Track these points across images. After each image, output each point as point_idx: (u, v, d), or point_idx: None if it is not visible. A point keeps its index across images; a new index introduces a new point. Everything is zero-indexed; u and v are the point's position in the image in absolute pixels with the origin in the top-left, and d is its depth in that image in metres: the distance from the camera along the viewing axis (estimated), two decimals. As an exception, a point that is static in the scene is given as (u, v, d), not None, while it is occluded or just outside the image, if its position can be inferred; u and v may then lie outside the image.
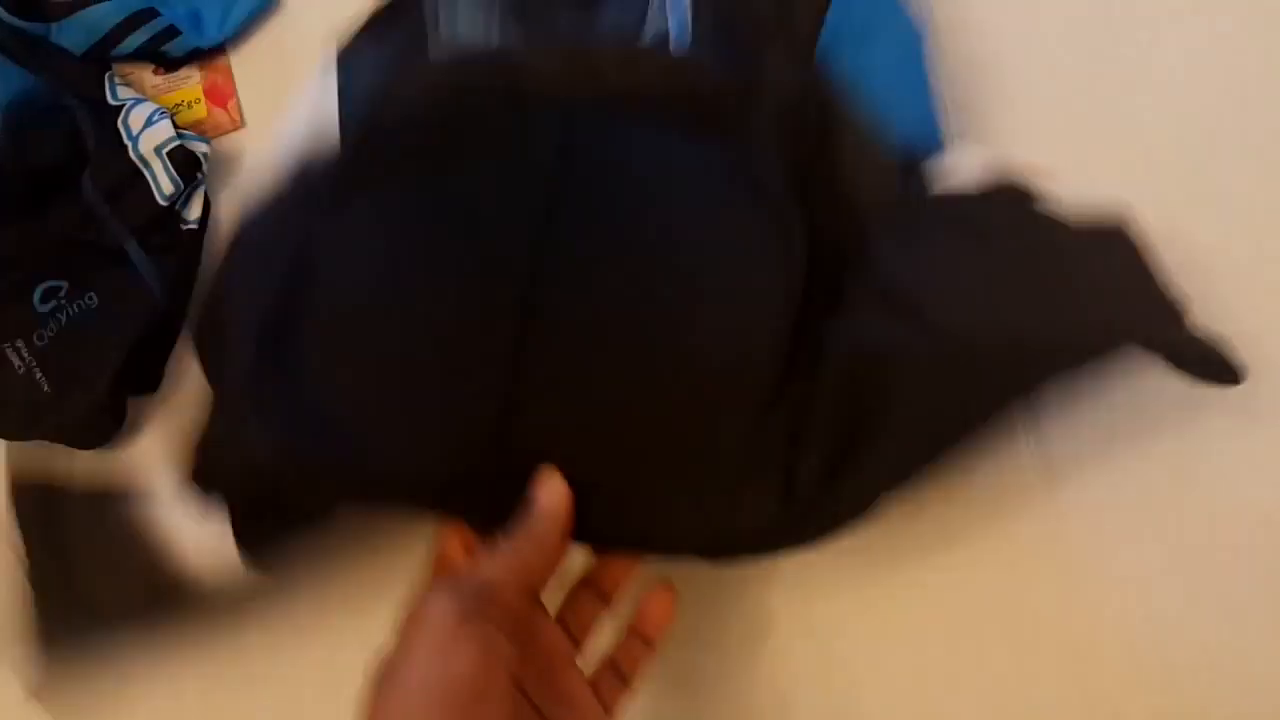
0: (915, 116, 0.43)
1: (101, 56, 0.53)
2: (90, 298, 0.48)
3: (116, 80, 0.52)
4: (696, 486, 0.37)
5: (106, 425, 0.48)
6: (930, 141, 0.43)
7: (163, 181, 0.49)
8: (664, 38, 0.41)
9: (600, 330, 0.37)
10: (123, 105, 0.50)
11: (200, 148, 0.50)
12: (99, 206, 0.49)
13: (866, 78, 0.41)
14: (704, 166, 0.38)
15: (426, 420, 0.38)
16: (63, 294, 0.48)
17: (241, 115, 0.55)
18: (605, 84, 0.39)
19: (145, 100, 0.51)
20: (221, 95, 0.55)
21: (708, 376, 0.37)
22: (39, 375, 0.46)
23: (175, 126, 0.50)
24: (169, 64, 0.55)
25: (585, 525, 0.36)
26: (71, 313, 0.48)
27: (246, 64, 0.55)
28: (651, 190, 0.38)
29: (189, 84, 0.55)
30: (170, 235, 0.50)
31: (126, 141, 0.49)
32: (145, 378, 0.49)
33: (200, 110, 0.55)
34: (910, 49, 0.44)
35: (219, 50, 0.55)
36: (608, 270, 0.37)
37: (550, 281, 0.36)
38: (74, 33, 0.52)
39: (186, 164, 0.49)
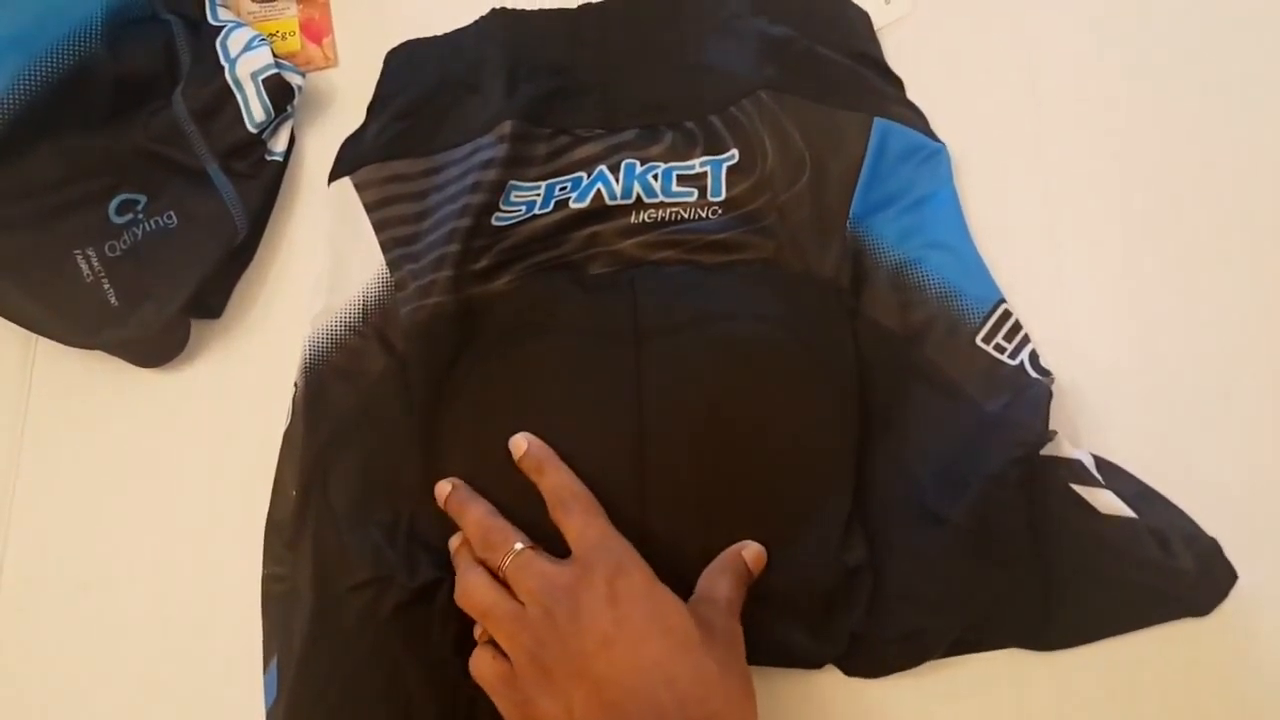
0: (963, 263, 0.46)
1: (203, -25, 0.52)
2: (169, 216, 0.47)
3: (218, 1, 0.51)
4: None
5: (169, 346, 0.47)
6: (981, 283, 0.46)
7: (254, 108, 0.48)
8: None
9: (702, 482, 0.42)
10: (222, 26, 0.50)
11: (296, 79, 0.50)
12: (187, 124, 0.48)
13: (912, 234, 0.46)
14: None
15: None
16: (140, 208, 0.47)
17: (335, 53, 0.54)
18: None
19: (245, 25, 0.50)
20: (317, 30, 0.54)
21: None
22: (107, 286, 0.46)
23: (274, 55, 0.49)
24: (269, -9, 0.54)
25: None
26: (148, 228, 0.47)
27: (347, 2, 0.55)
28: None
29: (286, 15, 0.54)
30: (254, 164, 0.49)
31: (223, 63, 0.48)
32: (209, 303, 0.49)
33: (294, 43, 0.54)
34: (950, 207, 0.47)
35: (321, -16, 0.55)
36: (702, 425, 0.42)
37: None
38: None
39: (280, 93, 0.49)
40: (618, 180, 0.47)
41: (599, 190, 0.47)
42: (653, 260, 0.46)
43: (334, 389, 0.45)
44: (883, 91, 0.49)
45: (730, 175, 0.47)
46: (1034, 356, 0.44)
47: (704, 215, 0.46)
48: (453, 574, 0.41)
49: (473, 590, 0.38)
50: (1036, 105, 0.50)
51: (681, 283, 0.45)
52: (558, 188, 0.47)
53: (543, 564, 0.37)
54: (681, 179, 0.47)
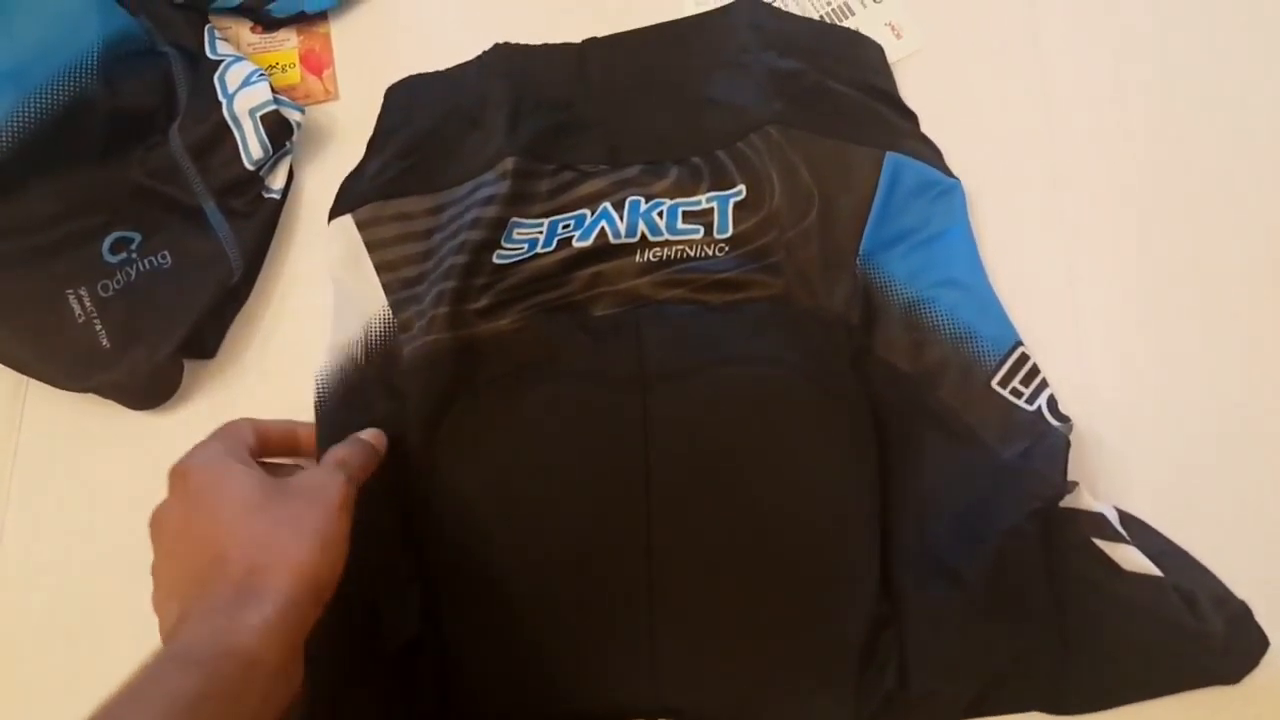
0: (978, 303, 0.45)
1: (201, 7, 0.52)
2: (164, 255, 0.46)
3: (217, 34, 0.50)
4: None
5: (161, 388, 0.46)
6: (998, 324, 0.44)
7: (252, 144, 0.47)
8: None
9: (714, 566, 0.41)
10: (221, 60, 0.49)
11: (295, 115, 0.49)
12: (183, 160, 0.47)
13: (924, 272, 0.45)
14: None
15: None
16: (134, 247, 0.46)
17: (336, 86, 0.53)
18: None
19: (244, 59, 0.49)
20: (318, 63, 0.53)
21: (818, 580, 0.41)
22: (99, 327, 0.45)
23: (273, 90, 0.48)
24: (268, 24, 0.53)
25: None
26: (142, 268, 0.46)
27: (348, 34, 0.54)
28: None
29: (286, 47, 0.54)
30: (251, 201, 0.48)
31: (221, 98, 0.48)
32: (203, 343, 0.47)
33: (294, 75, 0.53)
34: (964, 244, 0.46)
35: (321, 16, 0.54)
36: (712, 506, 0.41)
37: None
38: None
39: (278, 130, 0.48)
40: (622, 218, 0.46)
41: (603, 228, 0.46)
42: (659, 300, 0.45)
43: (344, 420, 0.44)
44: (896, 126, 0.48)
45: (737, 211, 0.46)
46: (1052, 402, 0.42)
47: (710, 253, 0.45)
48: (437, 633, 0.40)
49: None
50: (1053, 140, 0.49)
51: (688, 324, 0.44)
52: (560, 225, 0.46)
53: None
54: (687, 216, 0.46)
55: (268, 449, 0.41)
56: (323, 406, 0.44)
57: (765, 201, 0.45)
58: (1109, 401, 0.44)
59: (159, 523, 0.38)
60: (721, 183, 0.46)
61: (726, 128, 0.47)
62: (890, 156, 0.46)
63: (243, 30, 0.54)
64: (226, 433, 0.40)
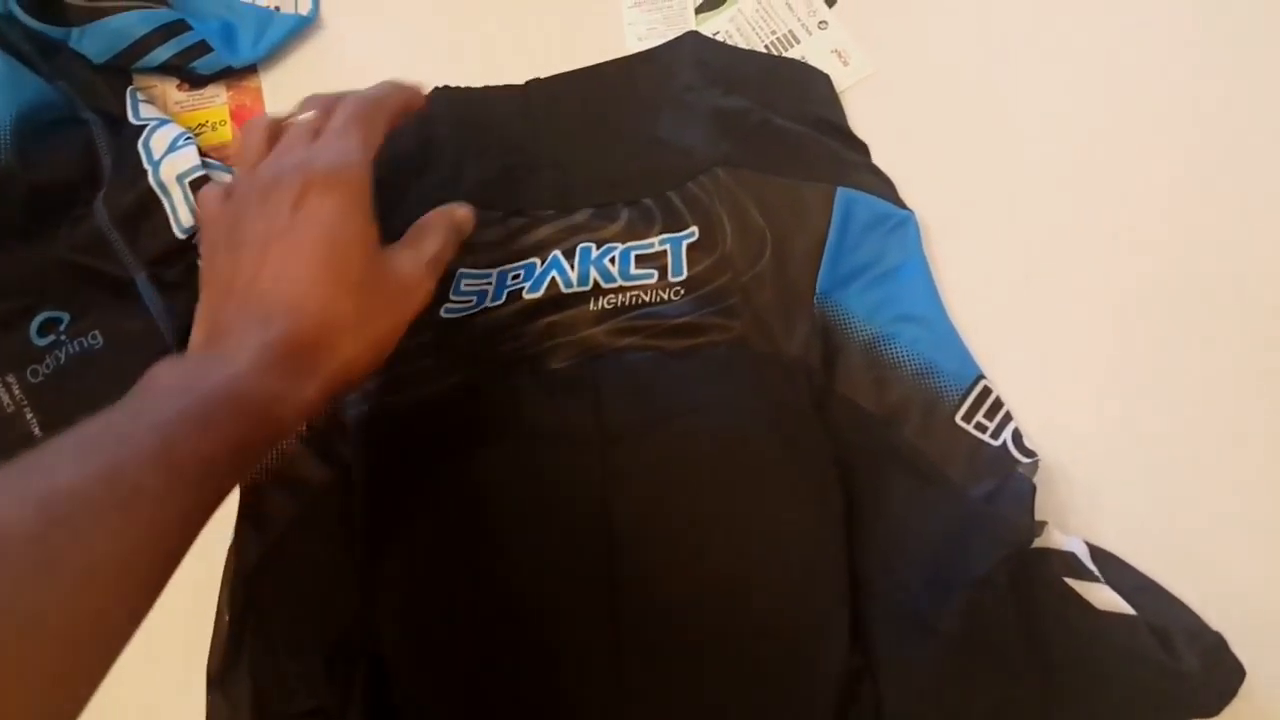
0: (937, 337, 0.44)
1: (124, 67, 0.50)
2: (94, 336, 0.44)
3: (139, 97, 0.48)
4: None
5: (100, 475, 0.44)
6: (958, 358, 0.44)
7: (181, 212, 0.45)
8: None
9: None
10: (145, 125, 0.47)
11: (225, 179, 0.47)
12: (110, 232, 0.45)
13: (883, 308, 0.44)
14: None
15: None
16: (63, 328, 0.44)
17: (269, 142, 0.51)
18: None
19: (170, 122, 0.47)
20: (251, 118, 0.51)
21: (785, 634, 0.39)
22: (29, 415, 0.43)
23: (201, 154, 0.46)
24: (195, 81, 0.51)
25: None
26: (72, 350, 0.44)
27: (280, 87, 0.52)
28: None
29: (215, 104, 0.52)
30: (185, 271, 0.46)
31: (146, 165, 0.46)
32: (145, 422, 0.46)
33: (225, 133, 0.51)
34: (920, 277, 0.45)
35: (250, 70, 0.52)
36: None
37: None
38: (96, 40, 0.48)
39: (209, 195, 0.46)
40: (573, 267, 0.44)
41: (554, 278, 0.44)
42: (616, 348, 0.43)
43: (273, 499, 0.42)
44: (846, 159, 0.47)
45: (691, 253, 0.45)
46: (1017, 436, 0.42)
47: (666, 297, 0.44)
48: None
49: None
50: (1009, 168, 0.48)
51: (647, 374, 0.43)
52: (510, 275, 0.45)
53: (279, 156, 0.36)
54: (640, 260, 0.45)
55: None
56: (249, 480, 0.42)
57: (718, 244, 0.44)
58: (1076, 434, 0.43)
59: (239, 210, 0.35)
60: (674, 224, 0.45)
61: (676, 169, 0.46)
62: (841, 191, 0.45)
63: (169, 88, 0.52)
64: (367, 137, 0.36)
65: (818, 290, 0.44)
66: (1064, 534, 0.40)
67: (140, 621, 0.27)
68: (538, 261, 0.45)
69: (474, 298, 0.44)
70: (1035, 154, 0.48)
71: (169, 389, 0.30)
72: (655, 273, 0.44)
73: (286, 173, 0.35)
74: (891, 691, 0.39)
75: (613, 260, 0.45)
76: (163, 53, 0.49)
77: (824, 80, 0.49)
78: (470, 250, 0.45)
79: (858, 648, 0.39)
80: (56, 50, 0.48)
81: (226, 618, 0.41)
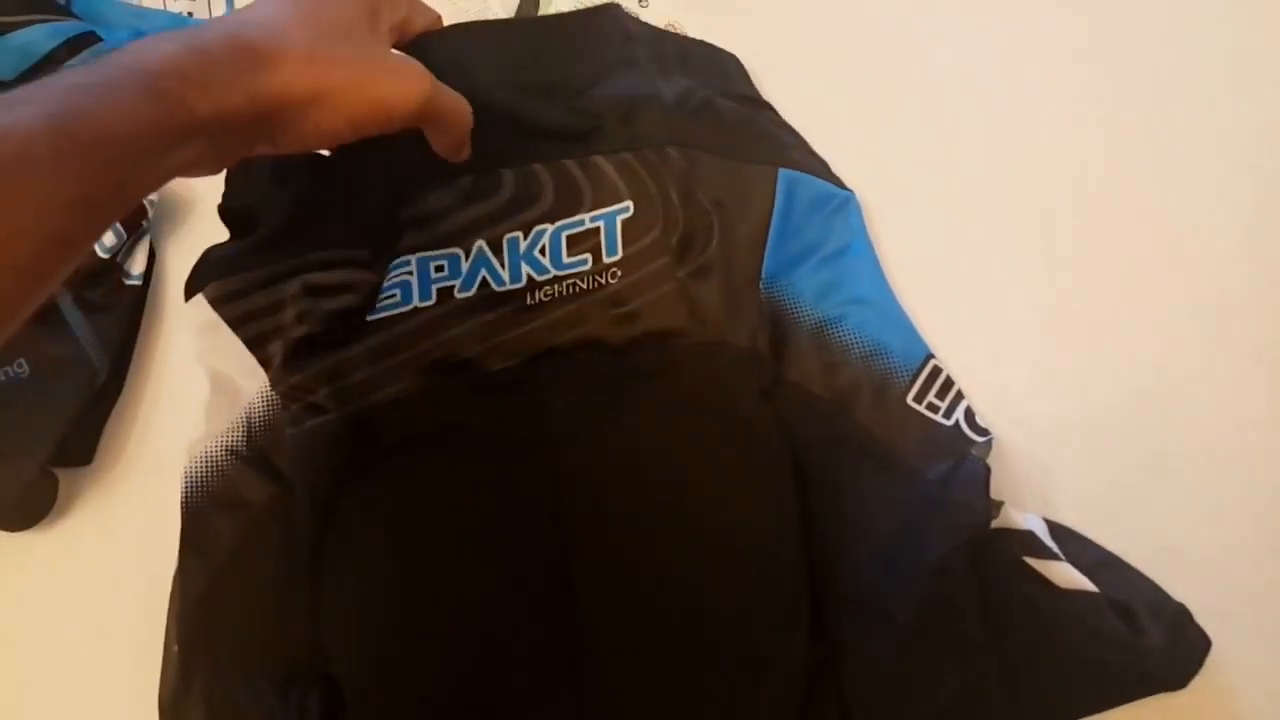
0: (885, 318, 0.43)
1: (38, 83, 0.48)
2: (20, 364, 0.43)
3: (53, 113, 0.47)
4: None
5: (35, 507, 0.43)
6: (907, 338, 0.43)
7: (103, 231, 0.44)
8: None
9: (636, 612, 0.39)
10: (59, 143, 0.45)
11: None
12: (29, 257, 0.43)
13: (831, 290, 0.44)
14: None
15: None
16: (-14, 358, 0.43)
17: (194, 153, 0.50)
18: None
19: (85, 138, 0.46)
20: (172, 129, 0.50)
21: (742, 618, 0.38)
22: (-44, 451, 0.42)
23: (118, 170, 0.45)
24: (113, 93, 0.50)
25: None
26: (-5, 381, 0.43)
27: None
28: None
29: (136, 115, 0.50)
30: (110, 291, 0.45)
31: (62, 185, 0.44)
32: (76, 451, 0.44)
33: (148, 145, 0.49)
34: (866, 258, 0.44)
35: (170, 79, 0.50)
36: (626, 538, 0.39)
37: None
38: (5, 56, 0.47)
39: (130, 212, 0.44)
40: (504, 265, 0.43)
41: (484, 278, 0.43)
42: (556, 345, 0.42)
43: (215, 523, 0.41)
44: (781, 139, 0.46)
45: (626, 230, 0.43)
46: (969, 414, 0.41)
47: (604, 281, 0.42)
48: None
49: None
50: (945, 141, 0.47)
51: (590, 372, 0.42)
52: (433, 266, 0.43)
53: None
54: (572, 241, 0.43)
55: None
56: (191, 504, 0.41)
57: (656, 221, 0.43)
58: (1027, 410, 0.43)
59: None
60: (605, 198, 0.43)
61: (615, 135, 0.44)
62: (783, 172, 0.44)
63: (87, 102, 0.50)
64: None
65: (764, 274, 0.43)
66: (1021, 512, 0.39)
67: (15, 319, 0.25)
68: (461, 254, 0.43)
69: (398, 291, 0.42)
70: (970, 130, 0.47)
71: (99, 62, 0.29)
72: (589, 257, 0.42)
73: None
74: (855, 678, 0.38)
75: (543, 250, 0.43)
76: (75, 65, 0.48)
77: (733, 60, 0.48)
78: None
79: (819, 638, 0.39)
80: (-36, 69, 0.46)
81: (175, 648, 0.40)
